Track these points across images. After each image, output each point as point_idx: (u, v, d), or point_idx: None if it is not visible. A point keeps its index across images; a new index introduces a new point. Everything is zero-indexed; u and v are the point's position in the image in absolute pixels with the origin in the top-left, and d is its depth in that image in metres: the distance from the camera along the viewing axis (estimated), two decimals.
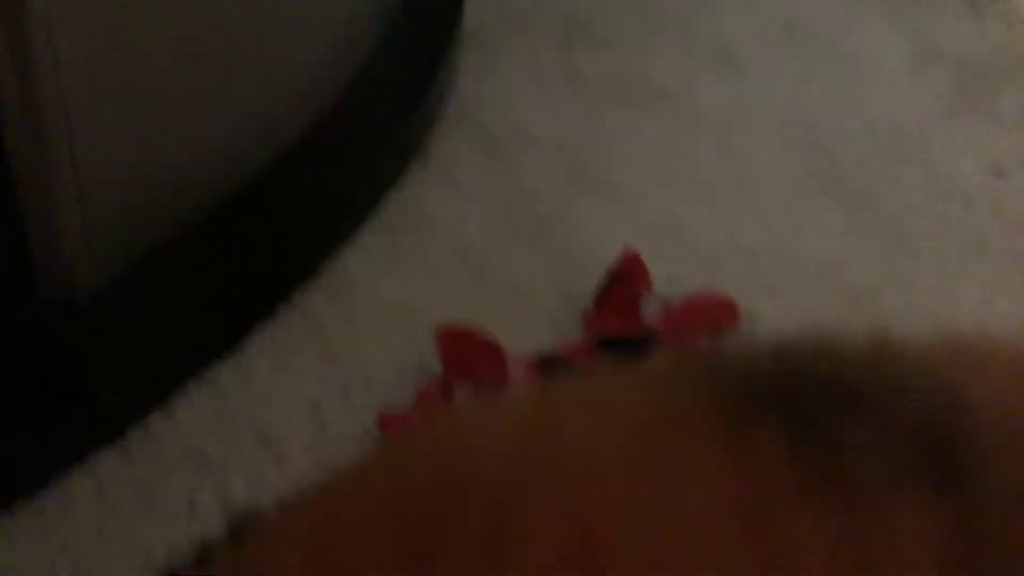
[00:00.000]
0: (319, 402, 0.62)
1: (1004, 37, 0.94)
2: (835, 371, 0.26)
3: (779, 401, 0.25)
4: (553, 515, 0.24)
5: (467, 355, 0.62)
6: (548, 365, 0.63)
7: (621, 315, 0.68)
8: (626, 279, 0.70)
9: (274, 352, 0.65)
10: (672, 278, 0.72)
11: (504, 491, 0.24)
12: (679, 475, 0.24)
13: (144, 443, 0.59)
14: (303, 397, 0.62)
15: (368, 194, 0.78)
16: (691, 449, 0.24)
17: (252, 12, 0.68)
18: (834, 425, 0.24)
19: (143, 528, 0.54)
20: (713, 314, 0.68)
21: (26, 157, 0.56)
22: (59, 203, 0.58)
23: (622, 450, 0.25)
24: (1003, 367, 0.28)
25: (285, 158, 0.75)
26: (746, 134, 0.87)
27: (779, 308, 0.70)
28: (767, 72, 0.95)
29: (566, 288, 0.72)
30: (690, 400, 0.26)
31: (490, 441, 0.27)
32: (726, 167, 0.83)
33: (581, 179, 0.81)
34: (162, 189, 0.65)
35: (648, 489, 0.24)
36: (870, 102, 0.91)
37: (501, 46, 0.94)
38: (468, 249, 0.75)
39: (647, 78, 0.93)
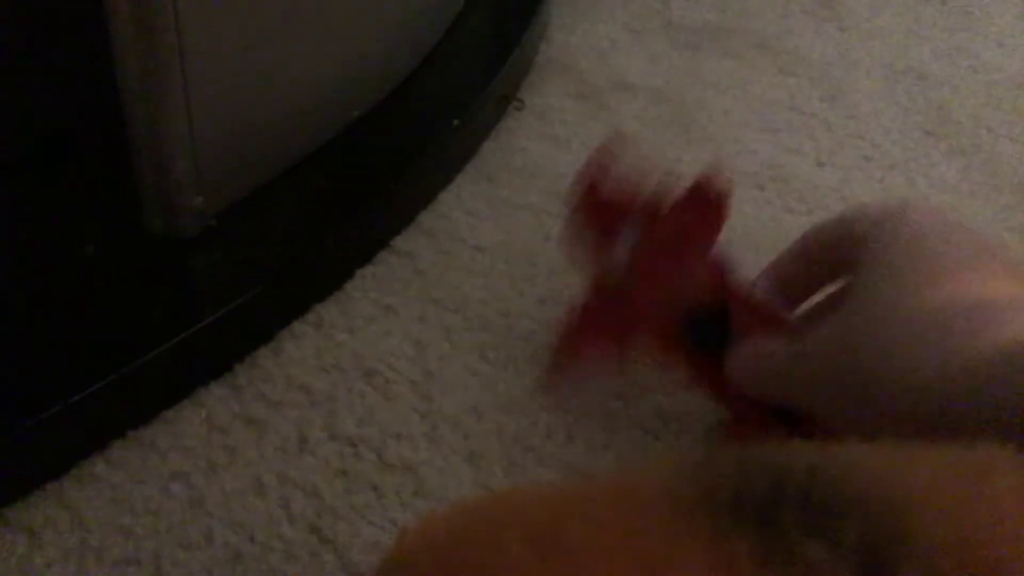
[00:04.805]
0: (422, 342, 0.61)
1: None
2: (809, 485, 0.29)
3: (761, 514, 0.29)
4: None
5: None
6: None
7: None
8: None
9: (376, 294, 0.65)
10: None
11: None
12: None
13: (251, 378, 0.59)
14: (406, 337, 0.62)
15: (464, 142, 0.77)
16: (681, 553, 0.28)
17: None
18: (799, 542, 0.28)
19: (255, 460, 0.54)
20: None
21: (139, 88, 0.56)
22: (171, 137, 0.57)
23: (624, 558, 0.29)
24: (946, 471, 0.30)
25: (382, 106, 0.75)
26: (851, 85, 0.85)
27: None
28: (871, 23, 0.92)
29: None
30: (684, 511, 0.29)
31: (506, 547, 0.30)
32: (831, 117, 0.81)
33: (680, 128, 0.80)
34: (267, 130, 0.65)
35: None
36: (983, 56, 0.88)
37: None
38: (565, 195, 0.73)
39: (745, 28, 0.91)
